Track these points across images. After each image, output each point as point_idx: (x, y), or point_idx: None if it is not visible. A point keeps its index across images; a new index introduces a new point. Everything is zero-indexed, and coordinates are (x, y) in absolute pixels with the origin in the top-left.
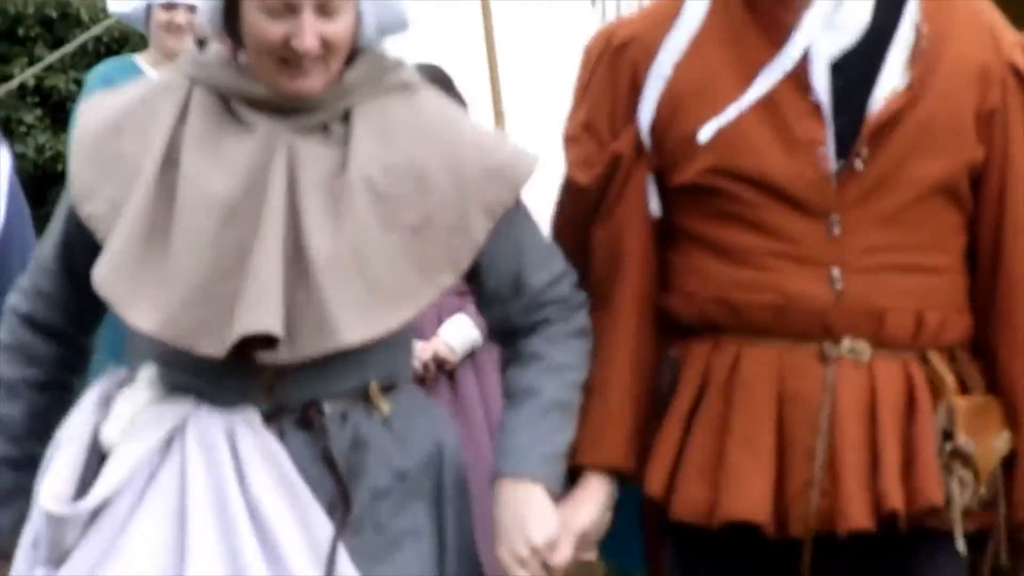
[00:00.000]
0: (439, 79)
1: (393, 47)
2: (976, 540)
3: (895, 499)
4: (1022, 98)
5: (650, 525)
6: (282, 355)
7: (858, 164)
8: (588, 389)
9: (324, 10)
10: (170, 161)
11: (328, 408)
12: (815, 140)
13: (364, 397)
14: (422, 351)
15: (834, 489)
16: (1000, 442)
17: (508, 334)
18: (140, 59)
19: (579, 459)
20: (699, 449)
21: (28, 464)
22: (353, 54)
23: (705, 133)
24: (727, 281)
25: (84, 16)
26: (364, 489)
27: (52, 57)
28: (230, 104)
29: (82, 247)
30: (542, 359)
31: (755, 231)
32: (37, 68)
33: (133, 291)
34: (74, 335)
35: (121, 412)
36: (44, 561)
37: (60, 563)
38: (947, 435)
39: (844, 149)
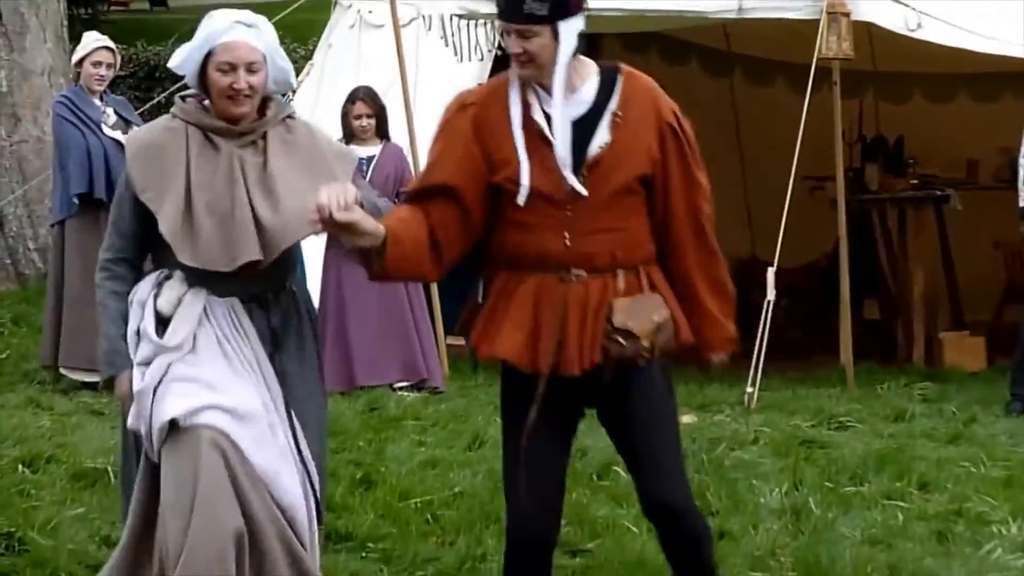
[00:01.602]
0: (371, 94)
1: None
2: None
3: (581, 361)
4: (675, 140)
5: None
6: (262, 264)
7: (581, 181)
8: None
9: (249, 69)
10: (188, 174)
11: (270, 295)
12: (557, 169)
13: (283, 287)
14: None
15: (562, 351)
16: (656, 316)
17: None
18: None
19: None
20: (494, 323)
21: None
22: (265, 101)
23: (523, 193)
24: (515, 240)
25: None
26: (289, 338)
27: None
28: (206, 133)
29: (142, 216)
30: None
31: (528, 214)
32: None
33: (178, 240)
34: (138, 266)
35: (169, 295)
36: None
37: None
38: (609, 320)
39: (576, 172)
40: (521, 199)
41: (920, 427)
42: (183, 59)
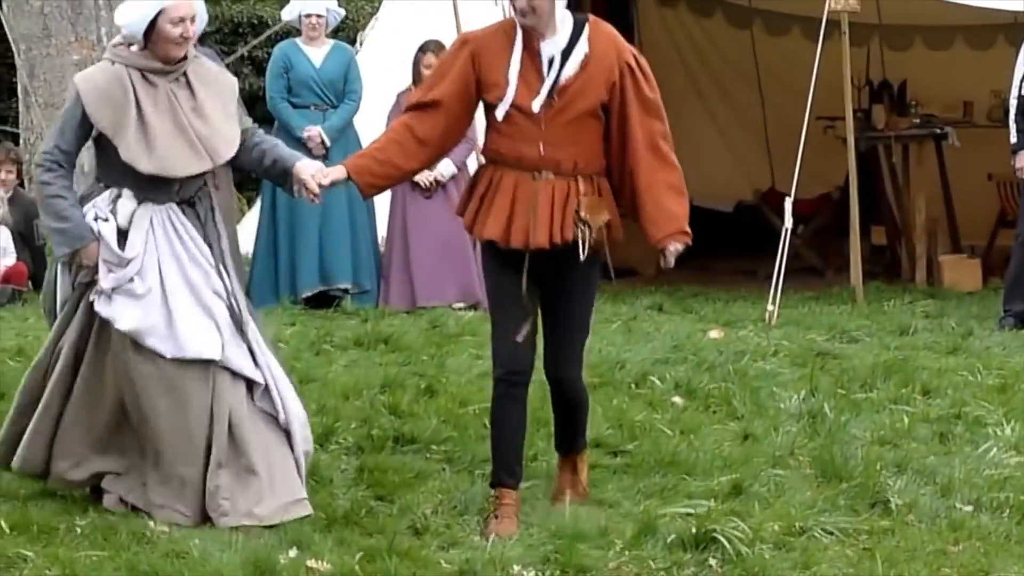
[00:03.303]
0: (440, 46)
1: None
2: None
3: (551, 238)
4: (631, 75)
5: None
6: (200, 170)
7: (555, 100)
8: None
9: (192, 20)
10: (139, 107)
11: (198, 198)
12: (539, 89)
13: (203, 185)
14: (426, 176)
15: (535, 231)
16: (602, 216)
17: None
18: (298, 40)
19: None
20: (482, 211)
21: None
22: None
23: (503, 109)
24: (498, 144)
25: (269, 22)
26: (210, 225)
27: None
28: (143, 73)
29: (84, 135)
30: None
31: (511, 125)
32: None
33: (138, 158)
34: (72, 168)
35: (124, 210)
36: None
37: (118, 278)
38: (577, 213)
39: (551, 94)
40: (500, 114)
41: (922, 340)
42: (134, 17)
